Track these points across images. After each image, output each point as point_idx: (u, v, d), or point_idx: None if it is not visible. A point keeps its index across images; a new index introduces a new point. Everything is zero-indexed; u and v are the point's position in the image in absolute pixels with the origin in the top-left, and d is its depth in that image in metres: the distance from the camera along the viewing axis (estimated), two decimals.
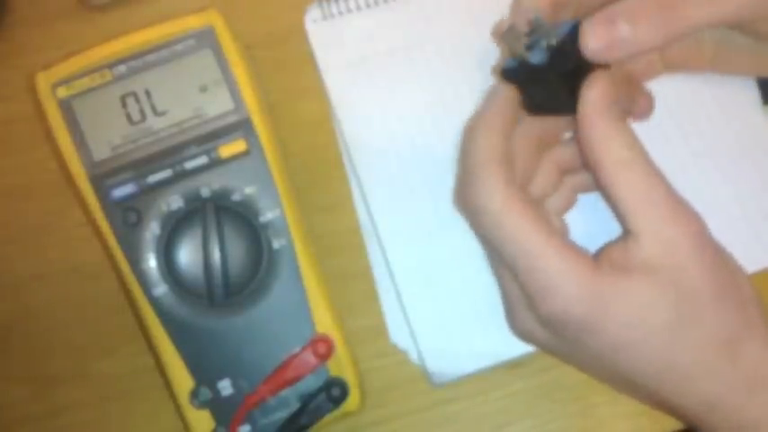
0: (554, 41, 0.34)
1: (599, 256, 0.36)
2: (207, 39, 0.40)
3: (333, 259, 0.43)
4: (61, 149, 0.39)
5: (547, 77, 0.35)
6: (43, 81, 0.39)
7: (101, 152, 0.39)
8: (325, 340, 0.39)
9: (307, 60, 0.45)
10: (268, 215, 0.39)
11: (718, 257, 0.35)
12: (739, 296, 0.35)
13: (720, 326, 0.34)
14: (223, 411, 0.39)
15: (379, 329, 0.43)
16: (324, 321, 0.40)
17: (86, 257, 0.44)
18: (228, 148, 0.39)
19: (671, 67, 0.42)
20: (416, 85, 0.44)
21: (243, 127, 0.39)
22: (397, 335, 0.43)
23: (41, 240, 0.44)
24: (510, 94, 0.37)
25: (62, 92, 0.39)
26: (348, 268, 0.43)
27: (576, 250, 0.35)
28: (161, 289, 0.39)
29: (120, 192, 0.39)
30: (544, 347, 0.39)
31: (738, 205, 0.43)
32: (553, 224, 0.39)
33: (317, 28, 0.45)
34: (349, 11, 0.45)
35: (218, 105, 0.39)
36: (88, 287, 0.44)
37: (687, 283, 0.34)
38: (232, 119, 0.40)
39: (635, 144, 0.35)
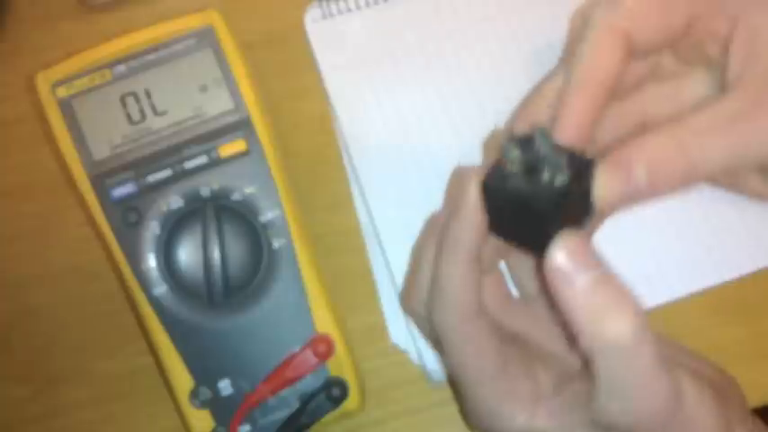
0: (563, 178, 0.28)
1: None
2: (207, 38, 0.40)
3: (333, 259, 0.43)
4: (61, 149, 0.39)
5: (528, 208, 0.29)
6: (43, 81, 0.39)
7: (101, 152, 0.39)
8: (326, 340, 0.39)
9: (307, 60, 0.45)
10: (268, 215, 0.39)
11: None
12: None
13: None
14: (223, 411, 0.39)
15: (380, 329, 0.43)
16: (324, 321, 0.40)
17: (86, 257, 0.44)
18: (228, 148, 0.39)
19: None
20: (416, 85, 0.44)
21: (243, 127, 0.39)
22: (397, 335, 0.43)
23: (41, 240, 0.44)
24: (478, 219, 0.31)
25: (62, 92, 0.39)
26: (348, 268, 0.43)
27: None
28: (161, 289, 0.39)
29: (120, 191, 0.39)
30: None
31: (738, 205, 0.43)
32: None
33: (317, 27, 0.45)
34: (349, 10, 0.45)
35: (217, 105, 0.39)
36: (88, 287, 0.44)
37: None
38: (232, 118, 0.40)
39: (626, 312, 0.28)
